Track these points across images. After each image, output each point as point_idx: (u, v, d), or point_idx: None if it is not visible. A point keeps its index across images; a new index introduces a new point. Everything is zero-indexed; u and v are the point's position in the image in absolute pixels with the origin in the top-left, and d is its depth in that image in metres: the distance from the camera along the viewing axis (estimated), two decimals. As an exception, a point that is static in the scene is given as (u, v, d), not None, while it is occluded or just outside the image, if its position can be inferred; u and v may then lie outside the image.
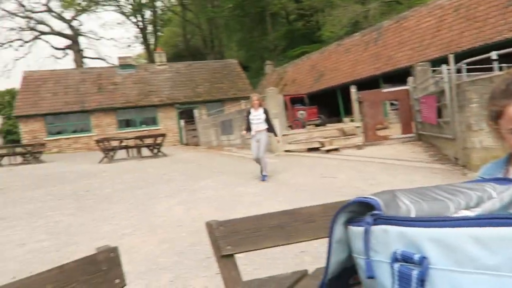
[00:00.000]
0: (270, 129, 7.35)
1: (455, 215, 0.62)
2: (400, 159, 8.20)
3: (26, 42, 37.43)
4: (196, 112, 23.69)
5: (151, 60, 38.60)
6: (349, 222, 0.69)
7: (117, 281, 1.25)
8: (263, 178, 7.19)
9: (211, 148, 17.46)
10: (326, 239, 0.72)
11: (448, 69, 6.99)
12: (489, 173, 1.09)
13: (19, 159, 16.14)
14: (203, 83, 26.84)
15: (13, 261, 3.83)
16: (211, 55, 37.98)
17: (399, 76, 16.66)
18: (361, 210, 0.67)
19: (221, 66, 28.98)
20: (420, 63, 10.90)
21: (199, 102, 25.56)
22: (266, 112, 7.37)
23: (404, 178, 6.16)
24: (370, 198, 0.63)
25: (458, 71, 7.42)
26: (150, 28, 43.34)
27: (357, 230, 0.66)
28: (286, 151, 11.25)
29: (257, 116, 7.26)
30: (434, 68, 10.51)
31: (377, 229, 0.61)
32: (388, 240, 0.59)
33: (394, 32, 18.91)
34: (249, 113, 7.43)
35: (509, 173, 1.05)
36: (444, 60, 10.76)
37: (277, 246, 1.57)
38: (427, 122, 9.16)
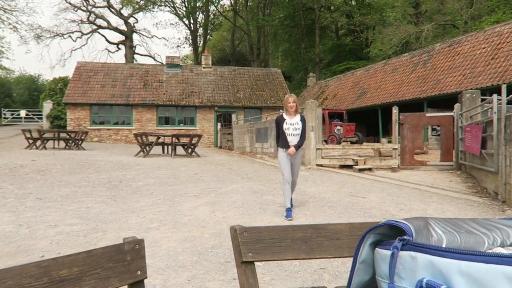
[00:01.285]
0: (300, 141, 5.40)
1: (490, 251, 0.59)
2: (435, 186, 7.88)
3: (84, 34, 39.55)
4: (233, 117, 23.95)
5: (197, 61, 39.60)
6: (377, 244, 0.67)
7: (138, 272, 1.27)
8: (288, 213, 5.14)
9: (244, 154, 17.56)
10: (348, 259, 0.70)
11: (499, 100, 6.67)
12: None
13: (62, 144, 16.96)
14: (244, 89, 27.15)
15: (44, 241, 4.00)
16: (255, 62, 38.41)
17: (445, 102, 16.15)
18: (390, 234, 0.65)
19: (264, 74, 29.21)
20: (469, 90, 10.47)
21: (238, 107, 25.85)
22: (304, 120, 5.47)
23: (437, 207, 5.90)
24: (401, 222, 0.61)
25: (510, 102, 7.07)
26: (200, 30, 44.49)
27: (384, 253, 0.63)
28: (318, 165, 11.11)
29: (293, 126, 5.33)
30: (484, 97, 10.08)
31: (405, 254, 0.58)
32: (415, 267, 0.57)
33: (445, 56, 18.32)
34: (282, 120, 5.41)
35: None
36: (496, 90, 10.31)
37: (298, 259, 1.54)
38: (469, 151, 8.77)
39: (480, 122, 7.97)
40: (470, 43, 17.25)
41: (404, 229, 0.60)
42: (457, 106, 10.46)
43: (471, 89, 12.69)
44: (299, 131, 5.35)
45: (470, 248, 0.59)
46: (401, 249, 0.59)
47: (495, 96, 6.91)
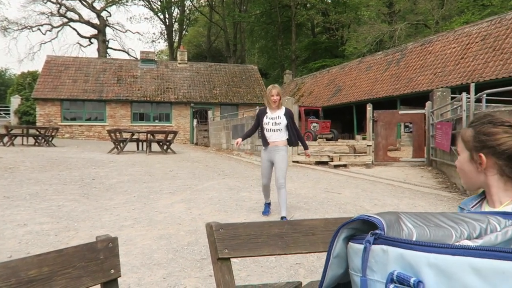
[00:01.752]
0: (298, 139, 4.91)
1: (457, 244, 0.61)
2: (407, 182, 8.10)
3: (54, 27, 38.22)
4: (210, 114, 23.82)
5: (172, 57, 39.08)
6: (350, 238, 0.68)
7: (112, 271, 1.25)
8: (266, 209, 5.01)
9: (220, 151, 17.50)
10: (323, 254, 0.71)
11: (468, 98, 6.90)
12: (465, 204, 1.17)
13: (31, 140, 16.41)
14: (220, 85, 27.01)
15: (12, 240, 3.87)
16: (232, 59, 38.27)
17: (417, 99, 16.59)
18: (363, 228, 0.67)
19: (240, 71, 29.14)
20: (440, 89, 10.79)
21: (214, 104, 25.71)
22: (289, 114, 4.78)
23: (409, 202, 6.07)
24: (373, 217, 0.63)
25: (478, 100, 7.33)
26: (176, 26, 43.86)
27: (357, 247, 0.65)
28: (294, 162, 11.21)
29: (274, 120, 4.73)
30: (454, 95, 10.41)
31: (377, 248, 0.60)
32: (386, 260, 0.59)
33: (418, 55, 18.80)
34: (263, 113, 4.86)
35: (482, 207, 1.11)
36: (465, 88, 10.68)
37: (274, 255, 1.55)
38: (440, 148, 9.05)
39: (450, 120, 8.23)
40: (441, 42, 17.76)
41: (376, 223, 0.62)
42: (428, 104, 10.77)
43: (442, 87, 13.09)
44: (280, 127, 4.71)
45: (439, 241, 0.61)
46: (373, 243, 0.61)
47: (464, 95, 7.15)
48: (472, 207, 1.14)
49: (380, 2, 32.09)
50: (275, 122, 4.71)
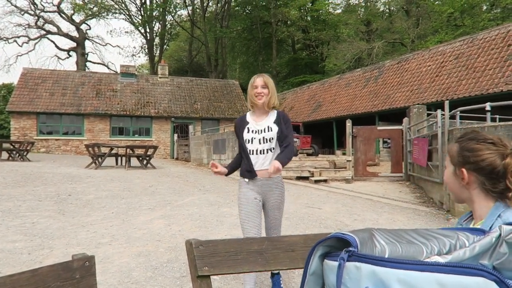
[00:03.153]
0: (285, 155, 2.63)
1: (427, 260, 0.64)
2: (386, 197, 8.22)
3: (32, 39, 37.60)
4: (191, 128, 23.71)
5: (153, 71, 38.90)
6: (326, 255, 0.70)
7: (88, 291, 1.23)
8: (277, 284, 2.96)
9: (201, 166, 17.40)
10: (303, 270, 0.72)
11: (443, 114, 7.13)
12: (460, 219, 1.21)
13: (5, 155, 15.92)
14: (201, 100, 27.00)
15: (-17, 258, 3.72)
16: (213, 74, 38.39)
17: (395, 116, 16.99)
18: (338, 245, 0.69)
19: (221, 85, 29.25)
20: (416, 105, 11.10)
21: (195, 119, 25.64)
22: (284, 119, 2.77)
23: (388, 217, 6.16)
24: (347, 234, 0.65)
25: (452, 117, 7.57)
26: (157, 40, 43.82)
27: (332, 264, 0.67)
28: (276, 176, 11.22)
29: (263, 135, 2.70)
30: (430, 112, 10.72)
31: (350, 265, 0.62)
32: (360, 277, 0.61)
33: (395, 72, 19.34)
34: (243, 124, 2.81)
35: (472, 222, 1.15)
36: (440, 105, 11.03)
37: (254, 271, 1.55)
38: (417, 163, 9.26)
39: (426, 136, 8.46)
40: (416, 60, 18.35)
41: (350, 241, 0.64)
42: (405, 120, 11.04)
43: (418, 104, 13.48)
44: (272, 144, 2.70)
45: (411, 257, 0.64)
46: (347, 260, 0.63)
47: (439, 112, 7.38)
48: (464, 221, 1.18)
49: (358, 20, 33.04)
50: (265, 138, 2.70)
